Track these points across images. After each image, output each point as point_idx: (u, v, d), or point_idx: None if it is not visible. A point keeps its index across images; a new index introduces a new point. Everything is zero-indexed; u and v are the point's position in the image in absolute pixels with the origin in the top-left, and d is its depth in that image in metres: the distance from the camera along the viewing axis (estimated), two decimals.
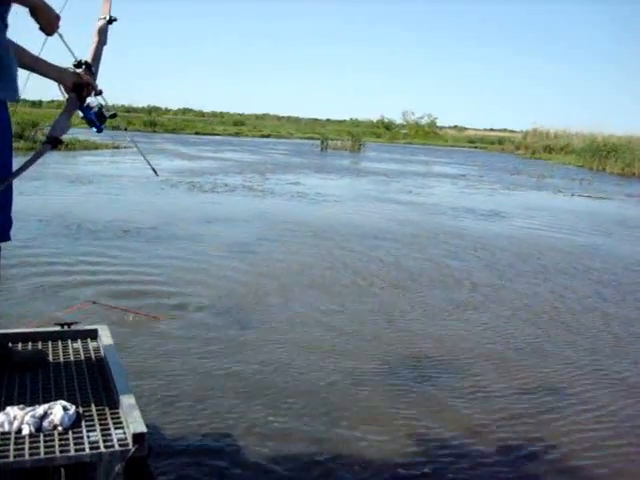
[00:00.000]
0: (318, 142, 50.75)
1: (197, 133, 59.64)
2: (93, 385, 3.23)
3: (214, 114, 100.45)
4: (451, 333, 7.74)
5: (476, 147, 72.49)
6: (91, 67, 3.34)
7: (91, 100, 3.33)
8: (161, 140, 43.03)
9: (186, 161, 28.85)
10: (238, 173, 25.54)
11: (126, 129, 7.49)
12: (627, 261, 12.95)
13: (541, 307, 9.13)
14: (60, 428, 2.73)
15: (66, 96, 3.29)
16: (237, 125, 75.27)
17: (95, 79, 3.35)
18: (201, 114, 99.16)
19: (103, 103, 3.38)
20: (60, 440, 2.67)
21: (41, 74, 3.18)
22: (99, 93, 3.34)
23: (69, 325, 3.90)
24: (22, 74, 3.07)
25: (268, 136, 65.87)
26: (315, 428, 5.10)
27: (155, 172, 4.05)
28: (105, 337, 3.79)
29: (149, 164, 3.87)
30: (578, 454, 5.01)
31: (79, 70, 3.27)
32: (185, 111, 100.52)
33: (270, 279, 9.60)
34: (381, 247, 12.48)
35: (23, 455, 2.54)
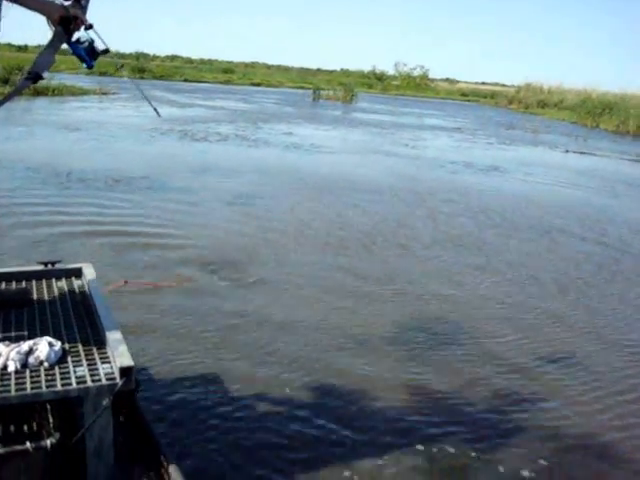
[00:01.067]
0: (309, 92, 49.94)
1: (186, 80, 58.42)
2: (79, 322, 3.19)
3: (202, 61, 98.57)
4: (457, 293, 7.50)
5: (469, 100, 71.74)
6: (80, 0, 3.05)
7: (81, 35, 3.08)
8: (150, 87, 42.00)
9: (176, 108, 28.16)
10: (230, 122, 24.98)
11: (122, 66, 6.97)
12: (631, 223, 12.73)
13: (551, 268, 8.91)
14: (46, 364, 2.70)
15: (53, 29, 3.02)
16: (226, 73, 73.89)
17: (85, 12, 3.07)
18: (189, 61, 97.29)
19: (95, 38, 3.13)
20: (46, 376, 2.63)
21: (26, 6, 2.93)
22: (89, 27, 3.07)
23: (53, 264, 3.81)
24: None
25: (258, 85, 64.77)
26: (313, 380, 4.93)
27: (157, 113, 3.80)
28: (89, 275, 3.71)
29: (151, 105, 3.69)
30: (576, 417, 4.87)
31: (67, 3, 3.01)
32: (173, 58, 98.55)
33: (272, 233, 9.29)
34: (381, 202, 12.15)
35: (9, 391, 2.50)
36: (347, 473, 3.95)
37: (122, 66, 6.50)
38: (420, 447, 4.30)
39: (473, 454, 4.29)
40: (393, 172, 15.92)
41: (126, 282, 6.62)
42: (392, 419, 4.64)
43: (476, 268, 8.52)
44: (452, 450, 4.31)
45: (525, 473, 4.16)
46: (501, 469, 4.17)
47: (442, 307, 6.98)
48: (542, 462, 4.30)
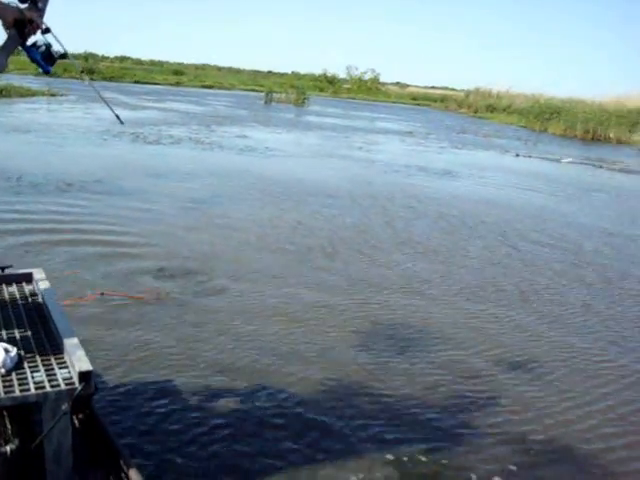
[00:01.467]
0: (261, 94, 49.87)
1: (137, 82, 57.60)
2: (33, 327, 3.14)
3: (153, 63, 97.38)
4: (419, 301, 7.55)
5: (419, 104, 72.34)
6: (37, 2, 2.97)
7: (38, 39, 3.02)
8: (100, 88, 41.28)
9: (128, 111, 27.76)
10: (183, 124, 24.77)
11: (83, 71, 6.85)
12: (584, 227, 13.00)
13: (512, 274, 9.05)
14: (2, 370, 2.66)
15: (7, 32, 2.94)
16: (177, 75, 73.06)
17: (42, 16, 2.98)
18: (139, 62, 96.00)
19: (53, 42, 3.08)
20: (3, 382, 2.60)
21: None
22: (46, 31, 3.00)
23: (2, 269, 3.74)
24: None
25: (210, 87, 64.25)
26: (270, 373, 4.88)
27: (119, 120, 3.73)
28: (41, 280, 3.66)
29: (113, 111, 3.62)
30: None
31: (23, 5, 2.93)
32: (123, 59, 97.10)
33: (232, 240, 9.22)
34: (337, 207, 12.15)
35: None
36: None
37: (83, 71, 6.40)
38: (389, 456, 4.30)
39: (444, 461, 4.30)
40: (349, 176, 15.96)
41: (102, 294, 6.52)
42: (357, 427, 4.61)
43: (437, 275, 8.59)
44: (423, 458, 4.31)
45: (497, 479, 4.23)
46: (473, 476, 4.21)
47: (405, 315, 6.99)
48: (512, 467, 4.35)
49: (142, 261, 7.89)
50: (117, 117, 3.66)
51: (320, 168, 17.12)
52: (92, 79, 51.81)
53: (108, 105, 3.70)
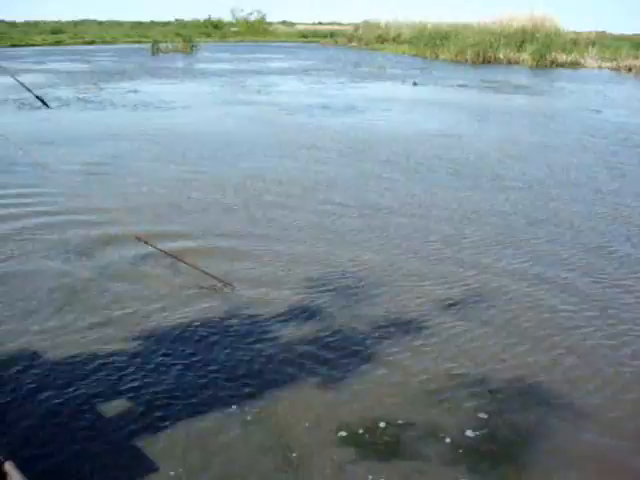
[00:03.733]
0: (147, 46, 47.87)
1: (13, 45, 54.26)
2: None
3: (27, 24, 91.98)
4: (353, 248, 7.35)
5: (309, 41, 71.45)
6: None
7: None
8: None
9: (8, 76, 26.02)
10: (69, 85, 23.39)
11: None
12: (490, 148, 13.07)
13: (444, 212, 8.94)
14: None
15: None
16: (56, 34, 69.32)
17: None
18: (13, 25, 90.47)
19: None
20: None
21: None
22: None
23: None
24: None
25: (92, 43, 61.23)
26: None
27: (46, 104, 3.23)
28: None
29: (36, 96, 3.10)
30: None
31: None
32: None
33: (145, 204, 8.72)
34: (247, 156, 11.74)
35: None
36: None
37: None
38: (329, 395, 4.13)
39: (410, 422, 4.19)
40: (253, 123, 15.46)
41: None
42: (319, 375, 4.45)
43: (363, 219, 8.45)
44: (382, 425, 4.17)
45: (469, 433, 4.06)
46: (446, 438, 4.08)
47: (344, 264, 6.83)
48: (482, 415, 4.22)
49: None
50: (42, 101, 3.13)
51: (221, 116, 16.51)
52: None
53: (27, 88, 3.17)
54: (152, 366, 4.68)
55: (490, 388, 4.50)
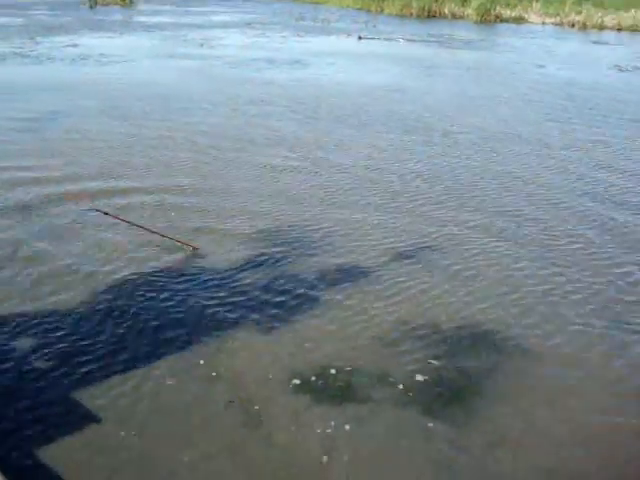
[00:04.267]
0: None
1: None
2: None
3: None
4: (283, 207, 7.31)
5: None
6: None
7: None
8: None
9: None
10: (3, 39, 22.46)
11: None
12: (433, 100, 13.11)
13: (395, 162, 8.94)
14: None
15: None
16: None
17: None
18: None
19: None
20: None
21: None
22: None
23: None
24: None
25: None
26: None
27: None
28: None
29: None
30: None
31: None
32: None
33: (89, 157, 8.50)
34: (193, 110, 11.54)
35: None
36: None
37: None
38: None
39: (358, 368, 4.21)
40: (198, 76, 15.21)
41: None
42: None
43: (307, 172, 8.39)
44: (332, 371, 4.20)
45: (419, 377, 4.12)
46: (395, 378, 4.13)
47: (296, 219, 6.88)
48: (433, 361, 4.29)
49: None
50: None
51: (164, 70, 16.13)
52: None
53: None
54: (94, 323, 4.61)
55: (442, 336, 4.58)
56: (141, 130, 9.93)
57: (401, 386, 4.00)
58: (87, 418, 3.61)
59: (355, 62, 18.48)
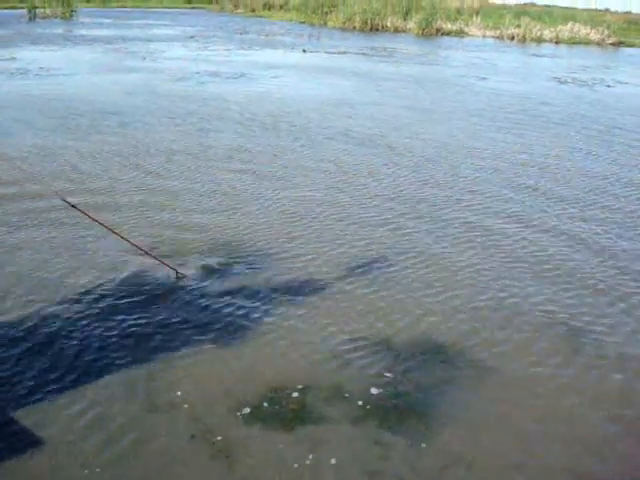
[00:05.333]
0: (23, 12, 45.36)
1: None
2: None
3: None
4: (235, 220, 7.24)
5: (194, 7, 69.64)
6: None
7: None
8: None
9: None
10: None
11: None
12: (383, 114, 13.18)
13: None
14: None
15: None
16: None
17: None
18: None
19: None
20: None
21: None
22: None
23: None
24: None
25: None
26: None
27: None
28: None
29: None
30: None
31: None
32: None
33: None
34: (131, 124, 11.34)
35: None
36: None
37: None
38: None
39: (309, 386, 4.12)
40: (142, 89, 14.97)
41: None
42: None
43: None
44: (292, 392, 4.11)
45: (374, 391, 4.07)
46: (352, 399, 4.07)
47: (244, 231, 6.78)
48: (387, 374, 4.24)
49: None
50: None
51: (106, 84, 15.84)
52: None
53: None
54: (41, 337, 4.44)
55: (395, 349, 4.53)
56: (83, 143, 9.72)
57: (356, 401, 3.94)
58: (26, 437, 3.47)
59: (300, 75, 18.49)
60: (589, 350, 4.67)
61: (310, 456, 3.50)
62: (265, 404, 3.90)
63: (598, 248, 6.57)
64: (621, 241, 6.77)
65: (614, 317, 5.16)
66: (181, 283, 5.39)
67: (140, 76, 17.22)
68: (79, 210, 5.24)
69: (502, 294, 5.44)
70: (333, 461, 3.48)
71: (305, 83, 16.94)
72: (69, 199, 5.42)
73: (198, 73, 17.98)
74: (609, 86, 18.90)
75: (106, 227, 5.45)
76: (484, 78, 19.35)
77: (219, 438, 3.61)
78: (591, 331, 4.91)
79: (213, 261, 5.85)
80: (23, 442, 3.48)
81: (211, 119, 11.92)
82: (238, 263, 5.83)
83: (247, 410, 3.85)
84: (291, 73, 18.85)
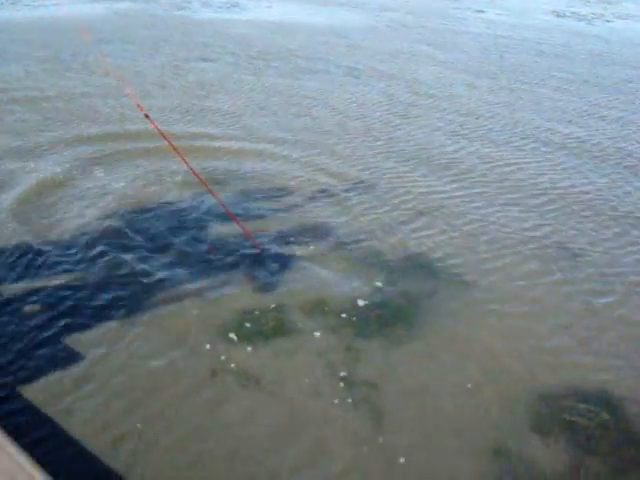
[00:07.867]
0: None
1: None
2: None
3: None
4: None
5: None
6: None
7: None
8: None
9: None
10: None
11: None
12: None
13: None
14: None
15: None
16: None
17: None
18: None
19: None
20: None
21: None
22: None
23: None
24: None
25: None
26: None
27: None
28: None
29: None
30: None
31: None
32: None
33: None
34: (120, 54, 11.11)
35: None
36: None
37: None
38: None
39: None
40: (136, 19, 14.62)
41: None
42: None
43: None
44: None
45: (360, 303, 4.11)
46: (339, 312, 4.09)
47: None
48: (377, 284, 4.28)
49: None
50: None
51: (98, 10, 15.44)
52: None
53: None
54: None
55: (384, 261, 4.55)
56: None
57: (343, 313, 3.98)
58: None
59: (292, 4, 18.03)
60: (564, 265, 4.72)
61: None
62: (248, 325, 3.93)
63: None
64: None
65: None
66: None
67: (130, 4, 16.73)
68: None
69: (492, 218, 5.44)
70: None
71: (299, 12, 16.52)
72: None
73: (188, 1, 17.50)
74: (608, 21, 18.50)
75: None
76: (481, 11, 18.92)
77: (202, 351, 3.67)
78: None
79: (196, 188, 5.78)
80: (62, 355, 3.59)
81: (203, 47, 11.63)
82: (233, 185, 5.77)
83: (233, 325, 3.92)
84: (282, 2, 18.38)
